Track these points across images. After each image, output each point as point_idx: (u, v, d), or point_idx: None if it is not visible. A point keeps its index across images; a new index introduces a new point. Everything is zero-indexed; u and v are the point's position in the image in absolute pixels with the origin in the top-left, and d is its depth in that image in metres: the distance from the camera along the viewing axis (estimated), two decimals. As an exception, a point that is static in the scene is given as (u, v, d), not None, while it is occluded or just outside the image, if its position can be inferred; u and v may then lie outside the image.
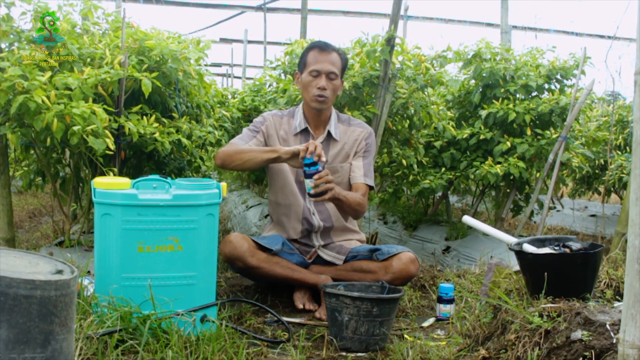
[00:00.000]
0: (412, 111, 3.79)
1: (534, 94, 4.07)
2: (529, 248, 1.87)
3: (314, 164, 2.34)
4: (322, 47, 2.67)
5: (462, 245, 3.95)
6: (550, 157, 3.76)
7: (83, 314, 1.89)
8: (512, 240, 1.97)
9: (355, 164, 2.73)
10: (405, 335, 2.22)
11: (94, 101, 2.72)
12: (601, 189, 5.81)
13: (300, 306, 2.57)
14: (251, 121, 4.63)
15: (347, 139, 2.75)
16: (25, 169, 3.41)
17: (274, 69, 4.26)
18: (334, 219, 2.74)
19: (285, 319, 2.30)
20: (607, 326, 1.45)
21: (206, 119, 3.64)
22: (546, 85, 4.05)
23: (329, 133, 2.73)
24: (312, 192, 2.35)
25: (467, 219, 2.22)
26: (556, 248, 1.85)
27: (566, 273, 1.72)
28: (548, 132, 3.92)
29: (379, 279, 2.44)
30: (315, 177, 2.33)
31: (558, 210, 6.36)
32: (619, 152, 5.26)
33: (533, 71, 4.00)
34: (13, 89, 2.56)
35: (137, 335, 1.83)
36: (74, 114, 2.54)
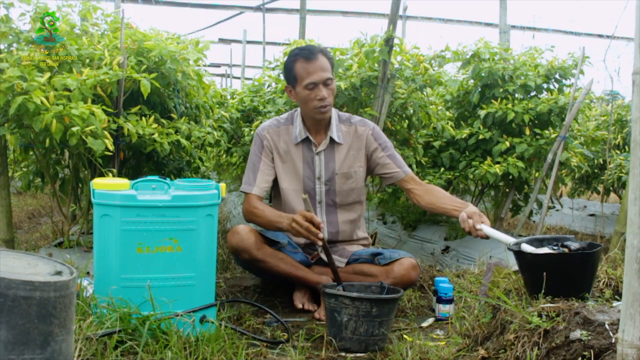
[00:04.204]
0: (411, 111, 3.79)
1: (533, 93, 4.06)
2: (527, 248, 1.87)
3: (448, 290, 2.48)
4: (306, 55, 2.49)
5: (461, 245, 3.95)
6: (549, 156, 3.76)
7: (82, 315, 1.89)
8: (511, 240, 1.97)
9: (386, 163, 2.68)
10: (405, 336, 2.22)
11: (93, 102, 2.72)
12: (600, 188, 5.81)
13: (300, 306, 2.58)
14: (251, 121, 4.56)
15: (351, 141, 2.68)
16: (25, 169, 3.41)
17: (273, 69, 4.26)
18: (341, 233, 2.74)
19: (284, 319, 2.30)
20: (606, 326, 1.45)
21: (205, 120, 3.64)
22: (545, 85, 4.05)
23: (331, 139, 2.66)
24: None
25: (466, 219, 2.22)
26: (555, 248, 1.84)
27: (565, 273, 1.72)
28: (547, 131, 3.92)
29: (379, 282, 2.44)
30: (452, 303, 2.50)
31: (557, 210, 6.35)
32: (618, 152, 5.26)
33: (532, 71, 4.00)
34: (12, 89, 2.56)
35: (136, 336, 1.83)
36: (73, 114, 2.53)
